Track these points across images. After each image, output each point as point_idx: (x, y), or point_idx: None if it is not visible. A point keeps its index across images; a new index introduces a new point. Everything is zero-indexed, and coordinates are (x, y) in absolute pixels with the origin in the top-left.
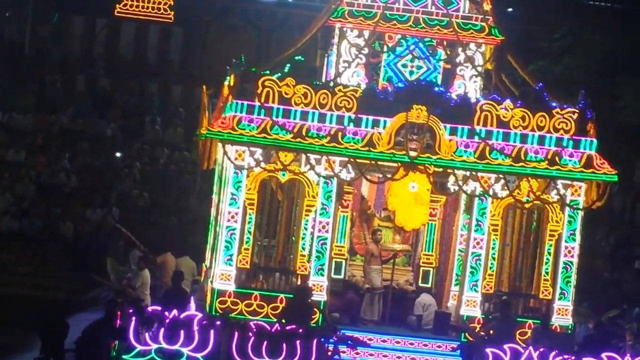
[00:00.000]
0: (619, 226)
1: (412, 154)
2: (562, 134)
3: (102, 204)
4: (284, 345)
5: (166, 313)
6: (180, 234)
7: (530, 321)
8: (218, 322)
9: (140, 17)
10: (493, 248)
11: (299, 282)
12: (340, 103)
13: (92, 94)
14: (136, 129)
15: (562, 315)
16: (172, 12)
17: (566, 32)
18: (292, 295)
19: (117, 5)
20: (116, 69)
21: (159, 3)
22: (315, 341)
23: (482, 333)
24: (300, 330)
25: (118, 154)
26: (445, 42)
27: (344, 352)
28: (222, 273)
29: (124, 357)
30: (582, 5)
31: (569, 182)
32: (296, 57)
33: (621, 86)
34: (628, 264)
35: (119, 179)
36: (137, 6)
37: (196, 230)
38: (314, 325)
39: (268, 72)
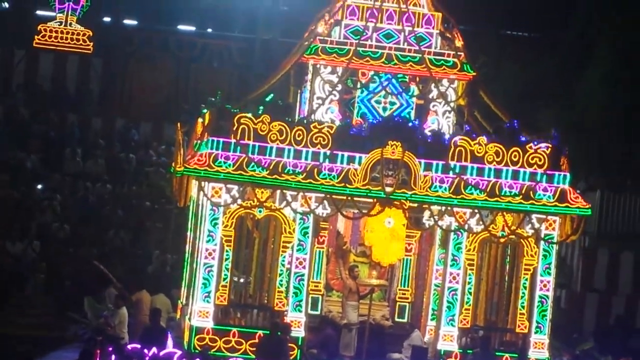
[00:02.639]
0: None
1: (388, 189)
2: (535, 169)
3: (22, 236)
4: None
5: (145, 351)
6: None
7: (507, 355)
8: None
9: (59, 48)
10: (469, 282)
11: (276, 319)
12: (316, 139)
13: (10, 124)
14: (56, 161)
15: (539, 349)
16: (91, 43)
17: (486, 62)
18: (268, 332)
19: (36, 36)
20: (35, 99)
21: (78, 34)
22: None
23: None
24: None
25: (39, 186)
26: (418, 78)
27: None
28: (200, 310)
29: None
30: (500, 35)
31: (543, 217)
32: (270, 95)
33: (538, 112)
34: None
35: (39, 211)
36: (56, 37)
37: (115, 262)
38: None
39: (242, 109)
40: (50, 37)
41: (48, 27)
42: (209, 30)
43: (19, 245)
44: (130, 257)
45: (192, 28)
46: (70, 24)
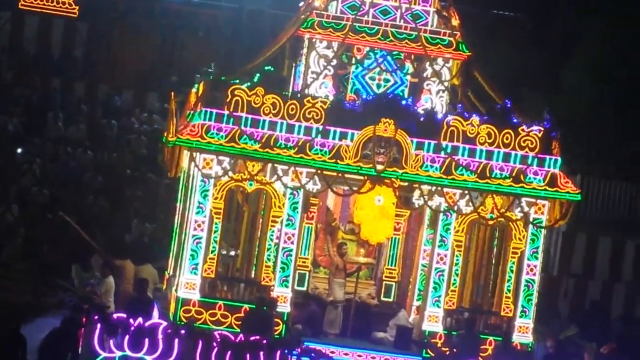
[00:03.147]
0: None
1: (379, 167)
2: (527, 152)
3: (1, 200)
4: (248, 356)
5: (131, 320)
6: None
7: (491, 338)
8: (182, 331)
9: (44, 10)
10: (456, 264)
11: (262, 293)
12: (309, 114)
13: None
14: (38, 125)
15: (523, 333)
16: (77, 7)
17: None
18: (254, 306)
19: None
20: (19, 62)
21: None
22: (278, 353)
23: (445, 349)
24: (264, 342)
25: (19, 150)
26: (413, 56)
27: None
28: (187, 282)
29: None
30: (488, 15)
31: (532, 200)
32: (266, 67)
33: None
34: None
35: (19, 175)
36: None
37: (94, 229)
38: (278, 336)
39: (237, 81)
40: None
41: None
42: None
43: None
44: (109, 225)
45: None
46: None
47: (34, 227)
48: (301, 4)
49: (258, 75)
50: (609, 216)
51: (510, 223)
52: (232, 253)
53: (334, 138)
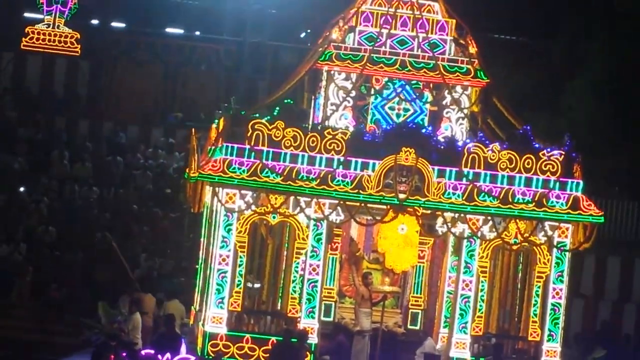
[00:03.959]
0: None
1: (401, 196)
2: (548, 176)
3: (9, 239)
4: None
5: (159, 356)
6: (86, 269)
7: None
8: None
9: (46, 50)
10: (482, 290)
11: (289, 325)
12: (330, 146)
13: None
14: (43, 164)
15: (551, 357)
16: (79, 46)
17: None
18: (281, 338)
19: (24, 39)
20: (23, 102)
21: (66, 36)
22: None
23: None
24: None
25: (22, 189)
26: (431, 85)
27: None
28: (214, 316)
29: None
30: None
31: (556, 224)
32: (286, 100)
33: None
34: None
35: (26, 214)
36: (44, 39)
37: (102, 265)
38: None
39: (257, 115)
40: (38, 39)
41: (36, 29)
42: (197, 33)
43: (5, 248)
44: (117, 261)
45: (180, 31)
46: (58, 26)
47: (42, 265)
48: (302, 35)
49: (277, 108)
50: (617, 236)
51: (534, 247)
52: (257, 285)
53: (355, 169)
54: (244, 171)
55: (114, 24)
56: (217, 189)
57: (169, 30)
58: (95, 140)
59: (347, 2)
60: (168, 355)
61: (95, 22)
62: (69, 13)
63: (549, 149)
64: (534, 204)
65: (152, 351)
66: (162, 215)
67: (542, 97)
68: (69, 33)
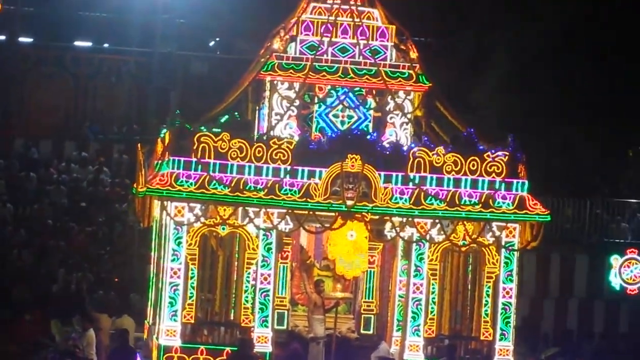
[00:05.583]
0: None
1: (349, 202)
2: (494, 177)
3: None
4: None
5: None
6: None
7: None
8: None
9: None
10: (433, 292)
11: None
12: (276, 155)
13: None
14: None
15: (504, 356)
16: None
17: None
18: (236, 348)
19: None
20: None
21: None
22: None
23: None
24: None
25: None
26: (374, 91)
27: None
28: (168, 329)
29: None
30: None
31: (503, 224)
32: (230, 112)
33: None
34: None
35: None
36: None
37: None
38: None
39: (204, 128)
40: None
41: None
42: (106, 45)
43: None
44: (33, 278)
45: (89, 44)
46: None
47: None
48: (212, 43)
49: (223, 120)
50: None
51: (482, 248)
52: (209, 297)
53: (302, 177)
54: (191, 184)
55: (22, 39)
56: (165, 202)
57: (77, 43)
58: (6, 157)
59: (252, 11)
60: None
61: (1, 37)
62: None
63: (493, 151)
64: (480, 205)
65: None
66: (78, 230)
67: (452, 97)
68: None
